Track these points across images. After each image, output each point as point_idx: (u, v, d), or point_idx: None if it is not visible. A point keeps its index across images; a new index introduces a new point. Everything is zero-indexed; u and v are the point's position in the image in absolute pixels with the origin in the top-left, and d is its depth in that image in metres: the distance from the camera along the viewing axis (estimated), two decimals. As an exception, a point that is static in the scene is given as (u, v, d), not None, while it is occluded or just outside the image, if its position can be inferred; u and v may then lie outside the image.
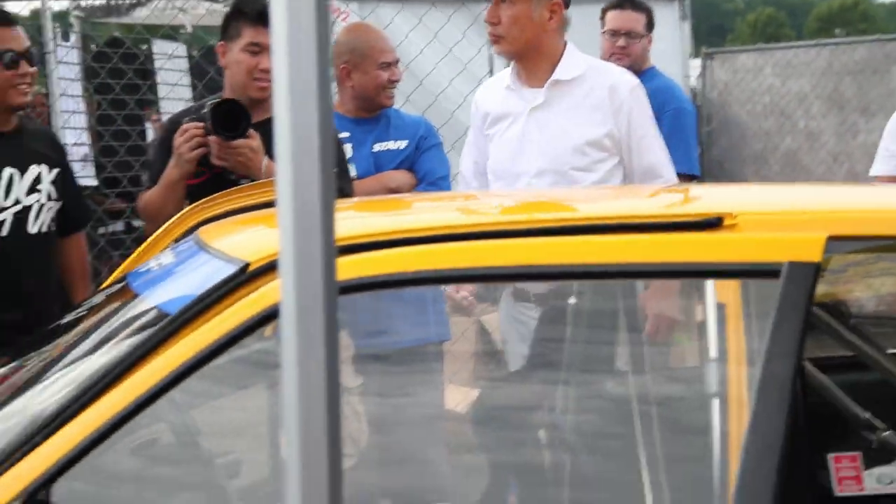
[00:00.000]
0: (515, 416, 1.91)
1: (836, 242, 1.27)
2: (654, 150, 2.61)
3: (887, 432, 1.66)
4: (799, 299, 1.21)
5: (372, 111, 2.99)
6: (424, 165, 3.00)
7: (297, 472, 0.57)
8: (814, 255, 1.23)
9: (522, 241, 1.39)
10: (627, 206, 1.96)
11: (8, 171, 2.65)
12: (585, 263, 1.40)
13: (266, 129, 1.90)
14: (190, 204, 2.29)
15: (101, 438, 1.25)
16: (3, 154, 2.67)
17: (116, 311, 1.67)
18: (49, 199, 2.73)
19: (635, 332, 1.92)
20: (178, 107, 4.62)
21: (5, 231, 2.64)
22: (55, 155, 2.88)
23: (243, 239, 1.71)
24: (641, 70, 3.31)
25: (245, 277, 1.33)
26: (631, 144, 2.55)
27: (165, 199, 2.50)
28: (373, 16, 5.04)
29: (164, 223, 2.18)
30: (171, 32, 7.16)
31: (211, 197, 2.17)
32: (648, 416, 1.65)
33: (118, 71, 5.46)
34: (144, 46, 6.57)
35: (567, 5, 2.61)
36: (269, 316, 1.26)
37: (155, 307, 1.49)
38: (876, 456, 1.71)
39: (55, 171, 2.77)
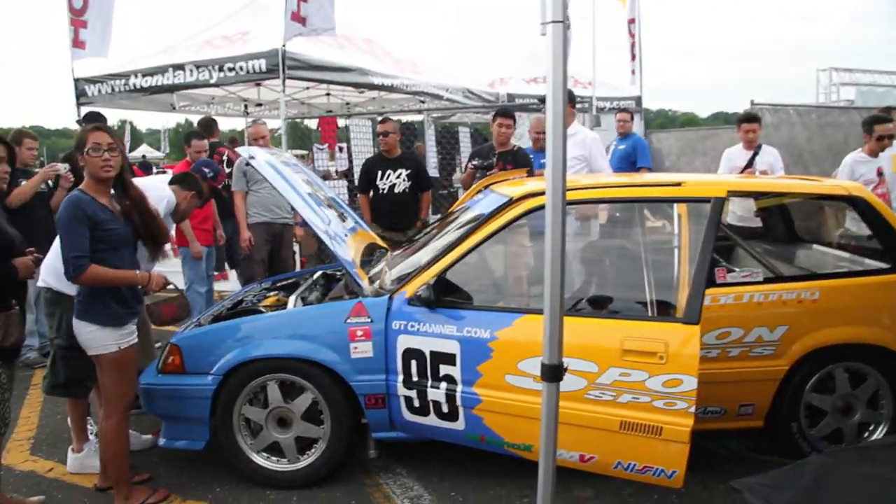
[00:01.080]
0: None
1: (732, 193, 4.03)
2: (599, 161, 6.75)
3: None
4: (716, 214, 3.68)
5: None
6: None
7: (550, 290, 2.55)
8: (722, 195, 3.78)
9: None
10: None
11: None
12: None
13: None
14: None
15: (458, 260, 3.99)
16: None
17: (461, 215, 4.73)
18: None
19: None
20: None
21: None
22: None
23: (509, 189, 4.41)
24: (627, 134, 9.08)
25: (510, 203, 4.08)
26: (590, 159, 6.63)
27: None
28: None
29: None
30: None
31: (493, 175, 5.83)
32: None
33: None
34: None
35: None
36: (522, 215, 4.01)
37: (479, 213, 4.28)
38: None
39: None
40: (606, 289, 4.13)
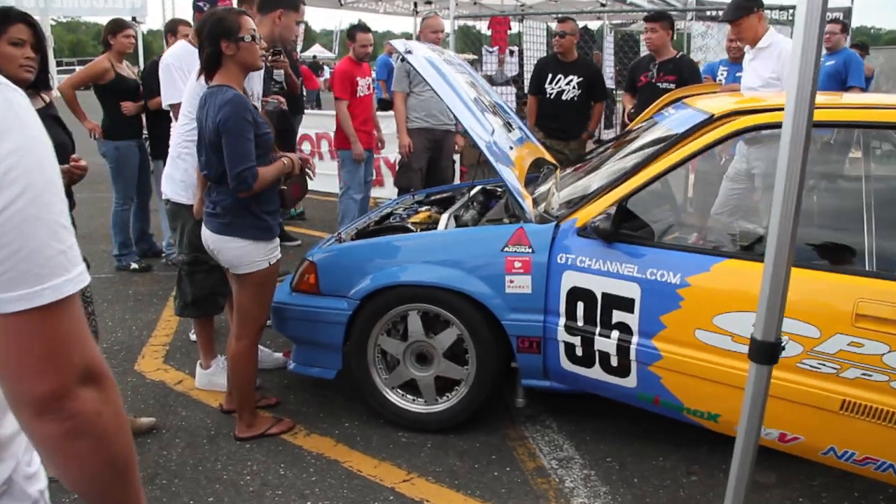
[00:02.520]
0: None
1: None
2: None
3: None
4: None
5: None
6: None
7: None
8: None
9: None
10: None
11: None
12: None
13: None
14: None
15: (644, 187, 3.18)
16: None
17: (646, 132, 3.93)
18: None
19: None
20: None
21: None
22: None
23: (708, 103, 3.58)
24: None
25: (711, 121, 3.22)
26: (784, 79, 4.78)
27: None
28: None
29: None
30: None
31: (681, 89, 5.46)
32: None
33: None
34: None
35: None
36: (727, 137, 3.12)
37: (670, 131, 3.48)
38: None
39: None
40: (840, 235, 3.20)
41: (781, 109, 1.74)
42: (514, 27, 10.40)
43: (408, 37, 16.84)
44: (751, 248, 3.27)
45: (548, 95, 6.44)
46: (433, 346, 3.51)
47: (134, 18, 10.69)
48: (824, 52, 7.88)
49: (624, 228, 3.14)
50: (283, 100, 4.42)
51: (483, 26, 12.24)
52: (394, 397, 3.62)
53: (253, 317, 3.40)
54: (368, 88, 6.47)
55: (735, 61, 6.22)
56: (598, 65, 9.86)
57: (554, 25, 6.72)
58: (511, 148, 4.03)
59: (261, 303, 3.41)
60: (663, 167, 3.16)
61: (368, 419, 3.71)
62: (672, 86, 5.93)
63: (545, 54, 8.45)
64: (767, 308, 1.86)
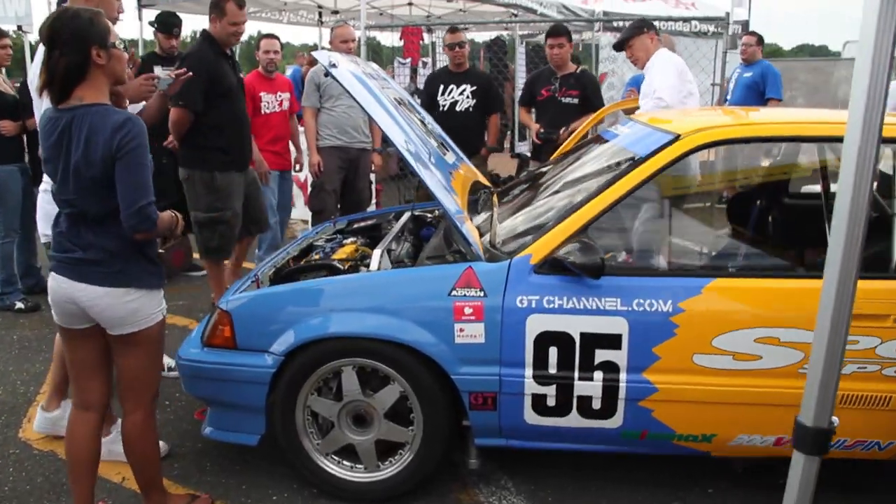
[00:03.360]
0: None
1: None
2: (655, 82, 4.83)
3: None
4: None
5: None
6: None
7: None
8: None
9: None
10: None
11: None
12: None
13: None
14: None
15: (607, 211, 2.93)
16: None
17: (600, 153, 3.63)
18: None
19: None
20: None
21: None
22: None
23: (666, 121, 3.39)
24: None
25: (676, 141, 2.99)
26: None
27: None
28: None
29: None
30: None
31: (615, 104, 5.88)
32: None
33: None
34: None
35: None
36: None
37: (631, 151, 3.16)
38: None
39: None
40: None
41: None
42: (426, 38, 10.06)
43: (313, 48, 16.26)
44: (737, 265, 3.35)
45: (441, 108, 6.05)
46: (372, 406, 3.05)
47: (20, 27, 9.77)
48: (741, 63, 7.82)
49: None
50: (177, 72, 3.78)
51: (387, 39, 11.85)
52: (329, 465, 3.14)
53: (148, 383, 2.83)
54: (280, 105, 5.96)
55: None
56: (512, 76, 9.58)
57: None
58: (450, 173, 3.60)
59: (156, 364, 2.86)
60: (623, 190, 2.90)
61: (300, 488, 3.22)
62: (575, 101, 5.83)
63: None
64: (819, 388, 1.49)
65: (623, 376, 2.85)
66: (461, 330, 2.87)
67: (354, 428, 3.11)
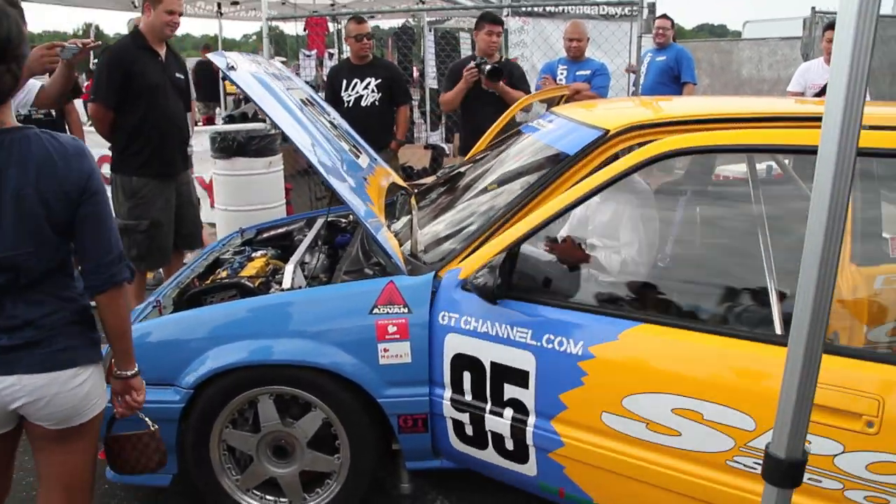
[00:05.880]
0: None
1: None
2: None
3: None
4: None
5: None
6: None
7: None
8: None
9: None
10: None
11: None
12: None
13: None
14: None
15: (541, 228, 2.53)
16: None
17: (521, 149, 3.38)
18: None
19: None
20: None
21: None
22: None
23: (592, 114, 3.14)
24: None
25: (606, 139, 2.73)
26: None
27: (456, 95, 5.46)
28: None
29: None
30: None
31: (533, 94, 5.43)
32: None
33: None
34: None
35: None
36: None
37: (556, 148, 2.95)
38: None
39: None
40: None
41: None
42: (332, 27, 9.74)
43: (212, 41, 15.64)
44: (672, 310, 2.69)
45: (346, 104, 5.79)
46: (294, 435, 2.83)
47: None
48: (655, 47, 7.77)
49: (515, 280, 2.57)
50: (83, 41, 3.40)
51: (291, 29, 11.42)
52: (251, 502, 2.91)
53: (91, 482, 2.28)
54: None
55: (575, 59, 5.88)
56: (421, 63, 9.36)
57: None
58: (364, 178, 3.38)
59: (96, 455, 2.31)
60: (566, 202, 2.54)
61: (219, 530, 2.97)
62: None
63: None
64: (793, 416, 1.36)
65: (531, 419, 2.53)
66: (385, 350, 2.67)
67: (275, 460, 2.88)
